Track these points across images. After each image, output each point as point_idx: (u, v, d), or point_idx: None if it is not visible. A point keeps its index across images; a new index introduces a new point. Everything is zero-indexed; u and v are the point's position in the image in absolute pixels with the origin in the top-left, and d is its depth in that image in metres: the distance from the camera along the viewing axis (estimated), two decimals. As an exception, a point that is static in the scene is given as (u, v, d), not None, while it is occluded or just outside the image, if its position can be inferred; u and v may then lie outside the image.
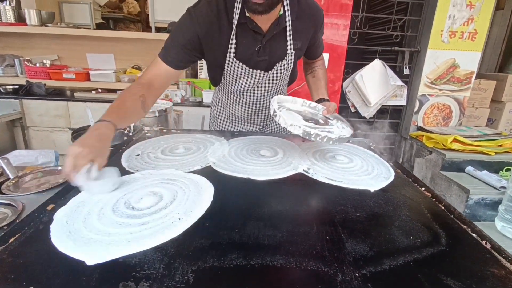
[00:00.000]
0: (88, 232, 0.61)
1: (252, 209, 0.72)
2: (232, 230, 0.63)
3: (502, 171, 2.11)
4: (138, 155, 1.02)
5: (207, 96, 2.35)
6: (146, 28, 4.45)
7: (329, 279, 0.51)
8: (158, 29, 3.16)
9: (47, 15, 2.69)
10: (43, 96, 2.41)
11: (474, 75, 2.54)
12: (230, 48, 1.09)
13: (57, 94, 2.52)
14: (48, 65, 2.72)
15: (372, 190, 0.85)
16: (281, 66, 1.17)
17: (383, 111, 2.75)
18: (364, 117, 2.63)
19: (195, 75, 3.01)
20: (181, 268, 0.52)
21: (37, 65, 2.67)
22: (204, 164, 0.96)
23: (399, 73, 2.61)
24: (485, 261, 0.59)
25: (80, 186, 0.73)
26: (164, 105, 1.54)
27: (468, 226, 0.70)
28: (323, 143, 0.97)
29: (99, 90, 2.52)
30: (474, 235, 0.68)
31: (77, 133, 1.26)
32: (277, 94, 1.27)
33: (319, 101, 1.21)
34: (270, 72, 1.17)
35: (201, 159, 1.00)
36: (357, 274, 0.52)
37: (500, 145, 2.18)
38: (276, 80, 1.20)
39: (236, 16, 1.03)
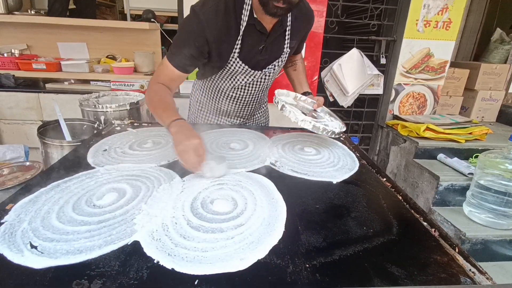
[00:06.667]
0: (45, 231, 0.60)
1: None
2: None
3: (472, 158, 2.20)
4: (105, 150, 1.01)
5: (184, 87, 2.31)
6: (121, 14, 4.30)
7: (280, 270, 0.53)
8: (134, 17, 3.08)
9: (14, 2, 2.56)
10: (12, 87, 2.31)
11: (448, 64, 2.60)
12: (235, 49, 1.07)
13: (28, 85, 2.41)
14: (17, 55, 2.59)
15: (334, 182, 0.88)
16: (276, 65, 1.18)
17: (361, 100, 2.79)
18: (342, 106, 2.66)
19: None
20: (137, 265, 0.53)
21: (5, 55, 2.55)
22: (172, 159, 0.96)
23: (376, 62, 2.64)
24: (430, 248, 0.62)
25: (204, 173, 0.83)
26: (136, 97, 1.51)
27: (421, 215, 0.74)
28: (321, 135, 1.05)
29: (72, 81, 2.44)
30: (425, 223, 0.71)
31: (43, 128, 1.22)
32: (265, 89, 1.30)
33: (303, 94, 1.25)
34: (265, 70, 1.17)
35: (168, 154, 0.99)
36: (307, 265, 0.55)
37: (471, 133, 2.26)
38: (269, 77, 1.22)
39: (245, 18, 1.02)
